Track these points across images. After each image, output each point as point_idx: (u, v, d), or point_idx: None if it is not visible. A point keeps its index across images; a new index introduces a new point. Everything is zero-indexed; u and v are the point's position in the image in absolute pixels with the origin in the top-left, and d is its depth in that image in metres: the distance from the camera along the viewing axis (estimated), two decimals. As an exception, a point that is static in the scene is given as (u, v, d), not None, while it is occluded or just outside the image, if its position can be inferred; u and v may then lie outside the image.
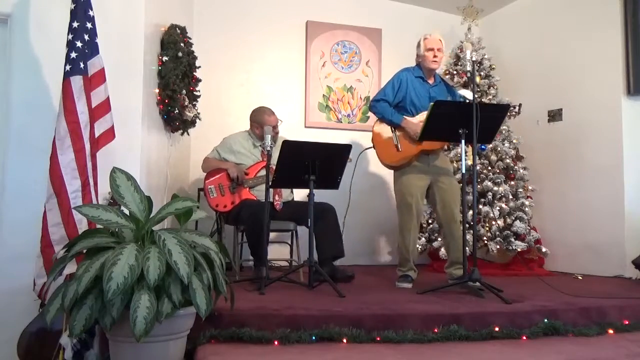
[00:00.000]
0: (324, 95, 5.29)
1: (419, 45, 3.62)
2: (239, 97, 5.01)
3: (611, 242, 4.30)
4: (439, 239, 4.58)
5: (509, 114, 3.33)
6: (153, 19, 3.47)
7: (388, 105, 3.56)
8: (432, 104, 3.09)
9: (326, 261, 3.57)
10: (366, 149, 3.93)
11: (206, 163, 3.98)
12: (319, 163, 3.17)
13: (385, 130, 3.58)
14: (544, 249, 4.54)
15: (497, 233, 4.44)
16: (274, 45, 5.17)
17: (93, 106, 2.72)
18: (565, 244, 4.68)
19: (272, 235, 4.34)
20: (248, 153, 3.97)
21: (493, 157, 4.69)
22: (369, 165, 5.09)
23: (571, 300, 2.90)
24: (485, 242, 4.44)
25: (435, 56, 3.54)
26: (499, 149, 4.70)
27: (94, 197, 2.63)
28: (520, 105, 3.36)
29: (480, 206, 4.51)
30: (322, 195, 3.83)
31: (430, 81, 3.64)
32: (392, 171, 3.68)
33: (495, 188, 4.53)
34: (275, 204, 3.76)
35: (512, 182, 4.65)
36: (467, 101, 3.50)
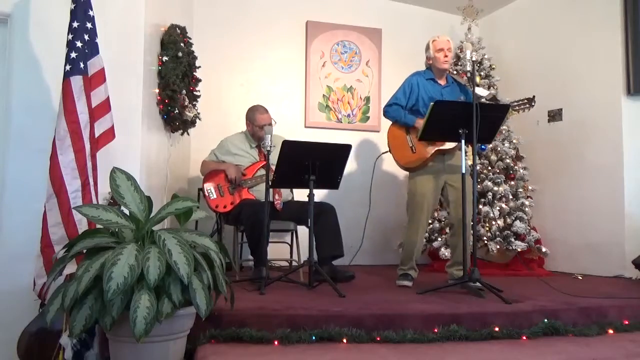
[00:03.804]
0: (324, 95, 5.29)
1: (428, 48, 3.64)
2: (239, 97, 5.00)
3: (611, 242, 4.30)
4: (439, 239, 4.59)
5: (522, 107, 3.33)
6: (153, 19, 3.47)
7: (400, 108, 3.57)
8: (432, 104, 3.09)
9: (325, 261, 3.56)
10: (383, 153, 3.94)
11: (204, 166, 3.98)
12: (319, 163, 3.17)
13: (400, 133, 3.59)
14: (544, 249, 4.54)
15: (497, 233, 4.44)
16: (274, 45, 5.17)
17: (93, 106, 2.72)
18: (565, 244, 4.68)
19: (272, 235, 4.34)
20: (245, 154, 3.97)
21: (493, 157, 4.69)
22: (380, 166, 5.08)
23: (571, 300, 2.90)
24: (485, 242, 4.44)
25: (445, 56, 3.55)
26: (499, 149, 4.70)
27: (94, 197, 2.63)
28: (533, 97, 3.35)
29: (480, 206, 4.51)
30: (328, 195, 3.82)
31: (442, 82, 3.64)
32: (406, 172, 3.69)
33: (495, 188, 4.53)
34: (275, 203, 3.76)
35: (512, 182, 4.66)
36: (483, 99, 3.50)
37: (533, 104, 3.37)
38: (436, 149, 3.45)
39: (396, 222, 5.13)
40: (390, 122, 3.67)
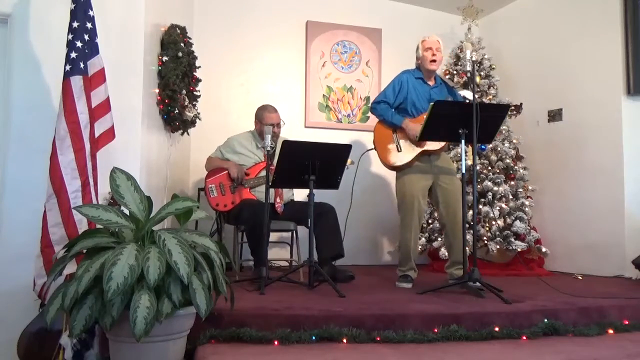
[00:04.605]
0: (324, 95, 5.29)
1: (417, 48, 3.65)
2: (239, 97, 5.01)
3: (611, 242, 4.30)
4: (439, 239, 4.59)
5: (509, 113, 3.34)
6: (153, 19, 3.46)
7: (388, 106, 3.57)
8: (431, 103, 3.09)
9: (326, 261, 3.57)
10: (368, 150, 3.94)
11: (209, 162, 3.99)
12: (319, 163, 3.17)
13: (386, 132, 3.58)
14: (544, 249, 4.54)
15: (497, 233, 4.44)
16: (274, 45, 5.17)
17: (93, 106, 2.72)
18: (565, 244, 4.68)
19: (272, 235, 4.34)
20: (250, 154, 3.97)
21: (493, 157, 4.69)
22: (370, 165, 5.09)
23: (571, 300, 2.90)
24: (485, 242, 4.44)
25: (433, 54, 3.54)
26: (499, 149, 4.70)
27: (94, 197, 2.63)
28: (521, 104, 3.37)
29: (480, 206, 4.51)
30: (323, 195, 3.83)
31: (431, 83, 3.65)
32: (393, 171, 3.68)
33: (495, 188, 4.53)
34: (276, 206, 3.76)
35: (512, 182, 4.66)
36: (468, 101, 3.51)
37: (520, 110, 3.38)
38: (421, 149, 3.45)
39: (395, 221, 5.12)
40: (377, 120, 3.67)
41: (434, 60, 3.55)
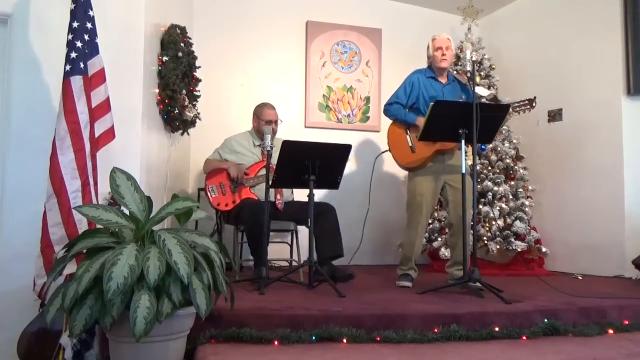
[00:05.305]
0: (324, 95, 5.29)
1: (428, 47, 3.66)
2: (239, 97, 5.01)
3: (611, 242, 4.30)
4: (439, 239, 4.59)
5: (523, 108, 3.34)
6: (153, 19, 3.47)
7: (401, 107, 3.58)
8: (431, 104, 3.09)
9: (325, 261, 3.57)
10: (382, 152, 3.95)
11: (207, 164, 4.00)
12: (319, 163, 3.17)
13: (400, 132, 3.59)
14: (544, 249, 4.54)
15: (497, 233, 4.44)
16: (274, 45, 5.17)
17: (93, 106, 2.72)
18: (565, 244, 4.68)
19: (272, 235, 4.34)
20: (249, 152, 3.98)
21: (493, 157, 4.69)
22: (381, 166, 5.08)
23: (571, 300, 2.90)
24: (485, 242, 4.44)
25: (443, 54, 3.56)
26: (499, 149, 4.71)
27: (94, 197, 2.63)
28: (534, 98, 3.36)
29: (480, 206, 4.51)
30: (330, 195, 3.83)
31: (443, 80, 3.64)
32: (405, 172, 3.69)
33: (495, 188, 4.53)
34: (277, 202, 3.77)
35: (512, 182, 4.66)
36: (483, 99, 3.51)
37: (534, 104, 3.37)
38: (435, 148, 3.45)
39: (396, 222, 5.13)
40: (391, 121, 3.68)
41: (444, 59, 3.57)
